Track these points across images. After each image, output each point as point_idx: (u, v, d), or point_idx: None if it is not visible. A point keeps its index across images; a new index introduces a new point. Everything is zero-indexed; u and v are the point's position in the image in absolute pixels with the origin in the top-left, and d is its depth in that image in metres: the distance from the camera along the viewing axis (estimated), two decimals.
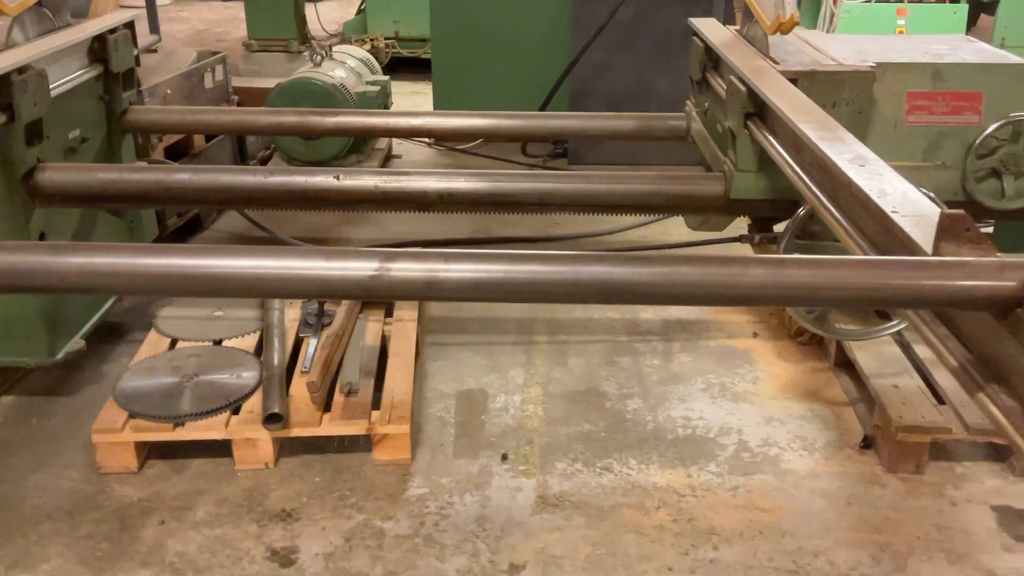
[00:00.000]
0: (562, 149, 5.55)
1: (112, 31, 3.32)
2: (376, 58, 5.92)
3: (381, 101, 5.06)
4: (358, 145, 4.94)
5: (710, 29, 3.41)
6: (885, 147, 2.73)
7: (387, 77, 5.38)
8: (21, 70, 2.69)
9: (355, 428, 2.77)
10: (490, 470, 2.78)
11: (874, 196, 1.79)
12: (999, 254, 1.44)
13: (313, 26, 8.45)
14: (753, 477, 2.75)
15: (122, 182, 2.96)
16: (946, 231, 1.43)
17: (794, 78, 2.65)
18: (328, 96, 4.71)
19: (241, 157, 4.97)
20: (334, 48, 5.40)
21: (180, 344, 3.20)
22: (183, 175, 3.12)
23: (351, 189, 3.06)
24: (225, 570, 2.38)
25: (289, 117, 3.52)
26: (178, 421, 2.75)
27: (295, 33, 7.94)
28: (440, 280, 1.65)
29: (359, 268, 1.67)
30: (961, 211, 1.46)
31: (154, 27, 5.05)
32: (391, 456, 2.79)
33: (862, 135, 2.67)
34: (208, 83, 4.53)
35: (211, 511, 2.60)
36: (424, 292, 1.69)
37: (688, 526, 2.56)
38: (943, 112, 2.76)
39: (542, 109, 5.20)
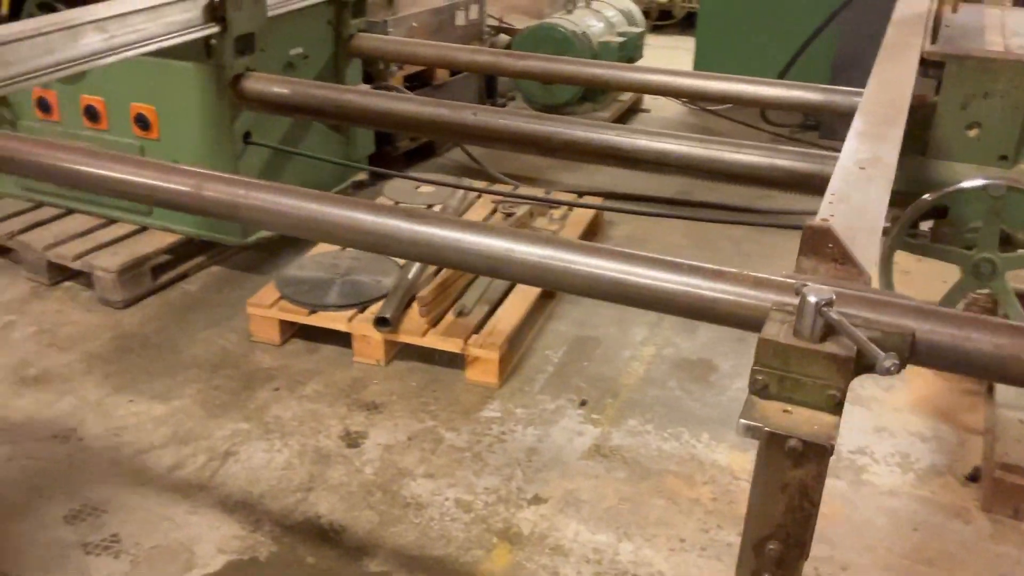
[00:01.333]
0: (814, 121, 5.27)
1: None
2: (649, 11, 5.93)
3: (625, 53, 5.12)
4: (593, 94, 5.07)
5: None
6: None
7: (640, 30, 5.41)
8: None
9: (451, 345, 3.00)
10: (564, 411, 2.89)
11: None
12: (862, 276, 1.29)
13: None
14: None
15: (319, 98, 3.35)
16: (807, 244, 1.31)
17: (940, 61, 2.39)
18: (567, 43, 4.88)
19: (489, 95, 5.31)
20: None
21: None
22: (384, 101, 3.42)
23: (555, 136, 2.98)
24: (303, 437, 2.75)
25: (484, 57, 3.74)
26: (312, 309, 3.15)
27: None
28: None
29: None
30: (827, 224, 1.33)
31: None
32: (480, 378, 3.00)
33: (1021, 133, 2.37)
34: (460, 20, 4.89)
35: (317, 389, 2.99)
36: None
37: (725, 507, 2.51)
38: None
39: (780, 77, 4.96)
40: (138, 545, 2.34)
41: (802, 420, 1.10)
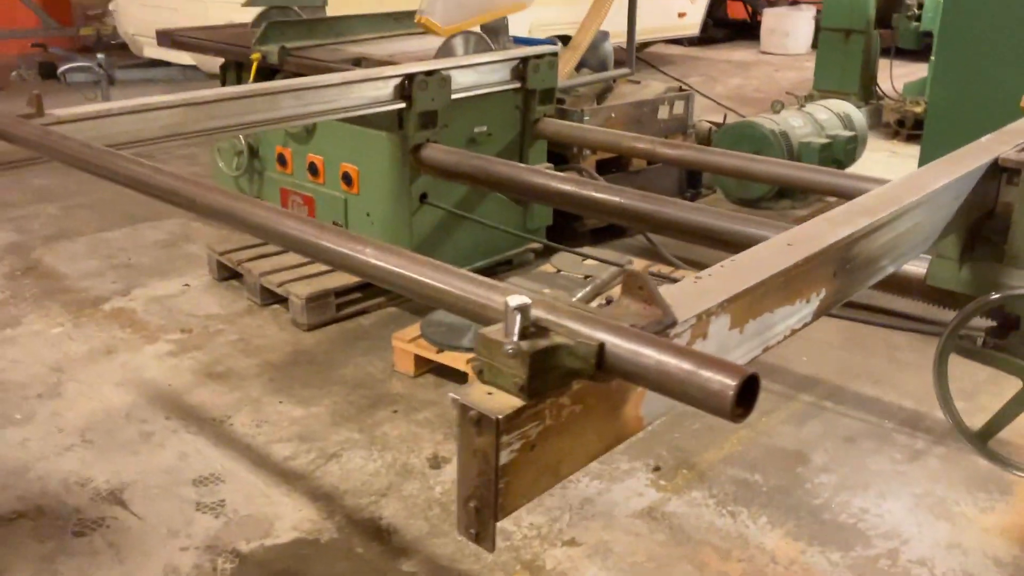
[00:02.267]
0: None
1: (539, 56, 4.22)
2: (904, 120, 5.86)
3: (829, 155, 5.14)
4: (790, 191, 5.13)
5: None
6: None
7: (852, 134, 5.38)
8: (429, 73, 3.74)
9: None
10: (634, 473, 3.04)
11: None
12: (665, 316, 1.40)
13: (885, 84, 8.42)
14: None
15: (486, 171, 3.77)
16: (625, 286, 1.44)
17: (1017, 168, 2.34)
18: (764, 141, 5.01)
19: (691, 184, 5.53)
20: (818, 101, 5.60)
21: None
22: (547, 180, 3.72)
23: (732, 234, 2.96)
24: (398, 453, 3.14)
25: (642, 145, 4.00)
26: (440, 348, 3.57)
27: (857, 88, 8.04)
28: None
29: None
30: (637, 270, 1.45)
31: (630, 63, 5.83)
32: None
33: None
34: (662, 115, 5.20)
35: (427, 417, 3.37)
36: None
37: None
38: None
39: None
40: (235, 511, 2.84)
41: (493, 400, 1.27)
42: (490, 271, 4.39)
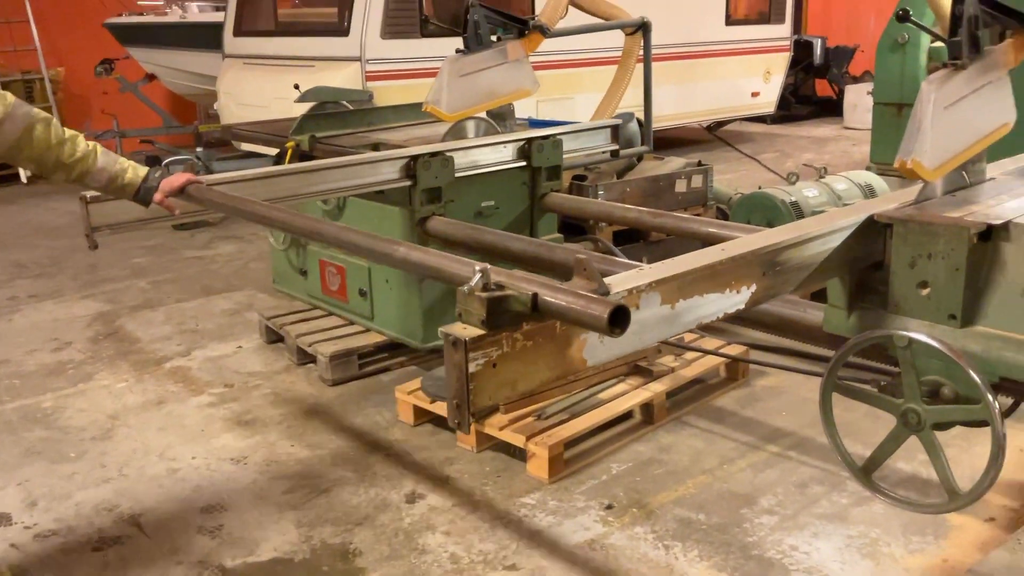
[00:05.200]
0: None
1: (544, 138, 4.64)
2: None
3: None
4: None
5: None
6: (1007, 315, 2.46)
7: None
8: (433, 155, 4.21)
9: (516, 440, 3.58)
10: (588, 510, 3.30)
11: None
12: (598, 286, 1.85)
13: None
14: None
15: (488, 242, 4.13)
16: (575, 268, 1.89)
17: (889, 223, 2.57)
18: (775, 210, 5.24)
19: None
20: (842, 173, 5.80)
21: None
22: (545, 251, 4.12)
23: None
24: (382, 489, 3.51)
25: (631, 214, 4.33)
26: (433, 399, 3.94)
27: None
28: None
29: None
30: (585, 255, 1.91)
31: (647, 140, 6.08)
32: (534, 472, 3.53)
33: (971, 294, 2.47)
34: (680, 188, 5.52)
35: (416, 460, 3.74)
36: None
37: None
38: None
39: None
40: (230, 534, 3.26)
41: (465, 331, 1.82)
42: None
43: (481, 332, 1.81)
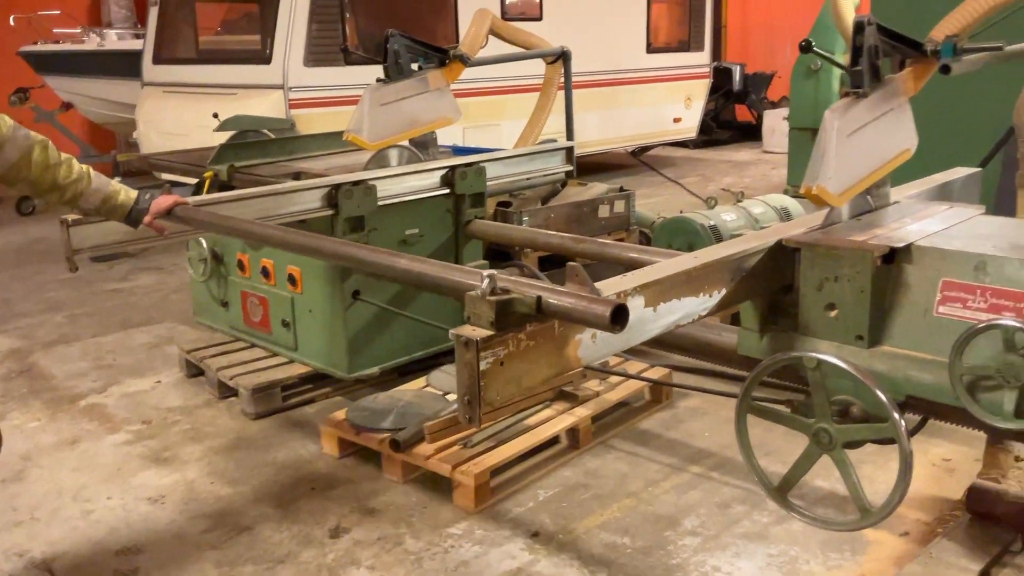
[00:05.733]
0: None
1: (467, 165, 4.66)
2: None
3: None
4: None
5: None
6: (910, 335, 2.54)
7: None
8: (355, 183, 4.19)
9: (442, 470, 3.56)
10: (515, 539, 3.29)
11: None
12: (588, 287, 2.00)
13: None
14: None
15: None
16: (567, 276, 2.05)
17: (797, 247, 2.64)
18: (695, 234, 5.34)
19: None
20: (758, 196, 5.95)
21: (428, 388, 4.33)
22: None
23: None
24: (305, 525, 3.44)
25: (554, 240, 4.37)
26: (359, 430, 3.90)
27: None
28: None
29: None
30: (576, 264, 2.02)
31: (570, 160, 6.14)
32: (461, 501, 3.50)
33: (877, 315, 2.55)
34: (603, 213, 5.58)
35: (340, 493, 3.68)
36: None
37: None
38: (980, 308, 2.41)
39: None
40: (152, 571, 3.16)
41: (476, 332, 1.95)
42: (433, 360, 4.73)
43: (490, 333, 1.95)
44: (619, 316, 1.92)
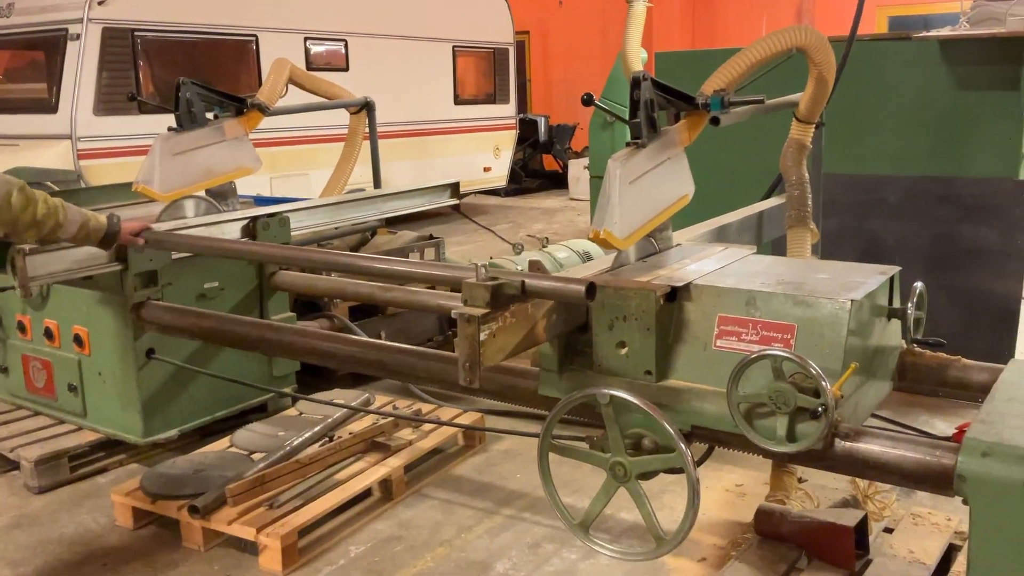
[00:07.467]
0: None
1: (270, 215, 4.56)
2: None
3: None
4: None
5: None
6: (693, 368, 2.67)
7: None
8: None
9: (246, 533, 3.41)
10: None
11: None
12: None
13: None
14: None
15: (206, 327, 3.97)
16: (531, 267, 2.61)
17: (591, 287, 2.76)
18: None
19: (451, 323, 5.90)
20: (563, 242, 6.16)
21: (232, 448, 4.16)
22: (269, 333, 3.95)
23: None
24: None
25: (365, 290, 4.35)
26: (154, 498, 3.68)
27: None
28: None
29: None
30: (537, 259, 2.12)
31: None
32: (267, 564, 3.37)
33: (663, 350, 2.67)
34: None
35: (136, 567, 3.45)
36: None
37: None
38: (752, 340, 2.59)
39: None
40: None
41: (475, 310, 2.35)
42: (237, 420, 4.54)
43: (487, 310, 2.36)
44: (592, 291, 2.50)
